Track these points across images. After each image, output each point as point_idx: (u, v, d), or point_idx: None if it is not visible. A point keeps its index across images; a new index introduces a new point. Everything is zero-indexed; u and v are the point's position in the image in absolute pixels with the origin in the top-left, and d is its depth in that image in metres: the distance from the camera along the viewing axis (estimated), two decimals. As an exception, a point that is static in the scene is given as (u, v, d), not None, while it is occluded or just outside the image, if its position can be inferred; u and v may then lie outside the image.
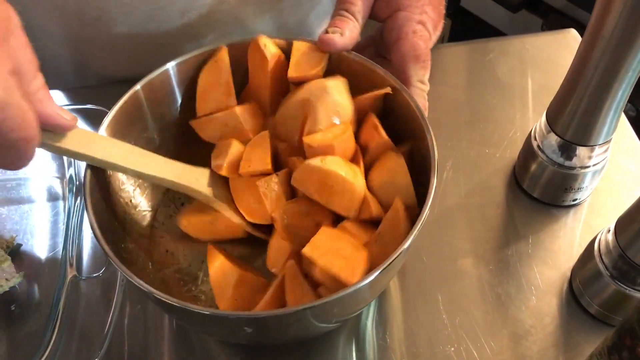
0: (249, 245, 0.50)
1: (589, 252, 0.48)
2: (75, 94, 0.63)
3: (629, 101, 0.49)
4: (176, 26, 0.59)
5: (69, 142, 0.40)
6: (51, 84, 0.66)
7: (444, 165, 0.59)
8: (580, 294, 0.50)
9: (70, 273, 0.47)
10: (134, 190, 0.48)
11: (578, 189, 0.54)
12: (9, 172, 0.58)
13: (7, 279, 0.49)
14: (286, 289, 0.44)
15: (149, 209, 0.50)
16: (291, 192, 0.48)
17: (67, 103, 0.60)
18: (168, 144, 0.51)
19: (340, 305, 0.40)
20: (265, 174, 0.47)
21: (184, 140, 0.51)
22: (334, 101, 0.46)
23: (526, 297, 0.51)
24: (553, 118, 0.51)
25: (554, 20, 0.99)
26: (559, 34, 0.70)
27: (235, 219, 0.48)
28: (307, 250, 0.42)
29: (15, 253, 0.52)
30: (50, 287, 0.48)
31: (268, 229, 0.48)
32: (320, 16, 0.48)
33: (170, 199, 0.52)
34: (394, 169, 0.45)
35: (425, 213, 0.40)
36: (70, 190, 0.54)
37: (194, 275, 0.49)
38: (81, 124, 0.59)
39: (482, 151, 0.60)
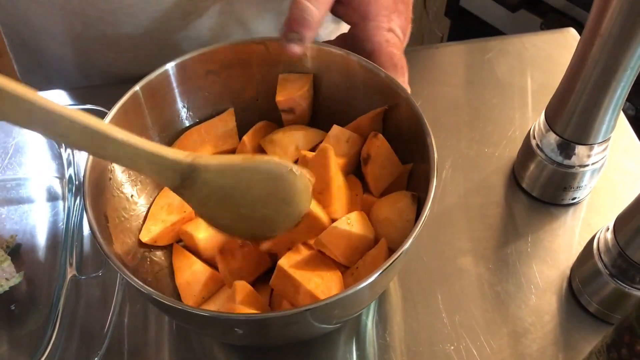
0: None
1: (588, 251, 0.48)
2: (77, 94, 0.64)
3: (628, 100, 0.49)
4: (179, 27, 0.59)
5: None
6: (55, 83, 0.67)
7: (443, 165, 0.59)
8: (580, 292, 0.50)
9: (70, 273, 0.47)
10: (134, 188, 0.48)
11: (577, 187, 0.54)
12: (9, 172, 0.58)
13: (7, 279, 0.49)
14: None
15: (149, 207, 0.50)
16: None
17: (69, 103, 0.60)
18: (167, 142, 0.51)
19: (340, 307, 0.39)
20: None
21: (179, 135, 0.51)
22: None
23: (526, 295, 0.51)
24: (552, 117, 0.51)
25: (553, 20, 0.99)
26: (558, 33, 0.70)
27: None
28: (283, 263, 0.43)
29: (15, 253, 0.52)
30: (50, 286, 0.49)
31: None
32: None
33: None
34: (402, 209, 0.46)
35: (425, 214, 0.40)
36: (69, 190, 0.54)
37: None
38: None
39: (482, 150, 0.60)
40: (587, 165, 0.52)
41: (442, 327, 0.49)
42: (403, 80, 0.50)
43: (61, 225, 0.53)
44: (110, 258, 0.39)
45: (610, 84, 0.45)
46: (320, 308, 0.37)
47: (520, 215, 0.56)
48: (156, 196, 0.50)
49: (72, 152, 0.56)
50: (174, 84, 0.49)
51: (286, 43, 0.46)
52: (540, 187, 0.55)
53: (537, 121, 0.54)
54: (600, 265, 0.47)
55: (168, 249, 0.49)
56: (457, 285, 0.52)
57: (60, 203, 0.55)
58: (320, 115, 0.53)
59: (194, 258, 0.47)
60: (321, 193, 0.46)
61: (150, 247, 0.48)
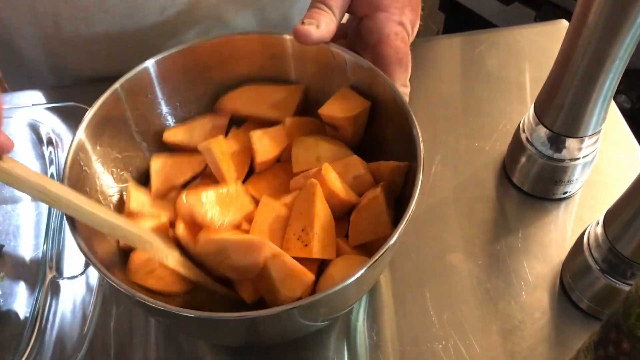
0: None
1: (579, 246, 0.47)
2: (54, 93, 0.63)
3: (622, 92, 0.48)
4: (156, 23, 0.58)
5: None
6: (29, 84, 0.66)
7: (432, 159, 0.58)
8: (571, 288, 0.49)
9: (50, 274, 0.47)
10: (114, 189, 0.47)
11: (568, 181, 0.53)
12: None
13: (-13, 281, 0.48)
14: None
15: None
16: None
17: (46, 102, 0.60)
18: (149, 142, 0.50)
19: (327, 303, 0.39)
20: None
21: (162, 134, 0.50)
22: None
23: (516, 292, 0.50)
24: (541, 110, 0.50)
25: (547, 12, 0.98)
26: (550, 25, 0.69)
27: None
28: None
29: (-2, 254, 0.51)
30: (31, 288, 0.48)
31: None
32: (303, 11, 0.47)
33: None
34: (377, 211, 0.44)
35: (411, 210, 0.39)
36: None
37: None
38: (62, 122, 0.58)
39: (472, 145, 0.59)
40: (578, 159, 0.51)
41: (430, 326, 0.48)
42: (405, 76, 0.48)
43: (44, 225, 0.52)
44: (89, 259, 0.38)
45: (599, 76, 0.44)
46: (307, 305, 0.36)
47: (511, 211, 0.55)
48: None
49: (55, 149, 0.55)
50: (155, 82, 0.48)
51: (301, 26, 0.45)
52: (531, 181, 0.54)
53: (526, 115, 0.53)
54: (590, 260, 0.46)
55: None
56: (446, 282, 0.51)
57: (43, 204, 0.54)
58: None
59: None
60: (303, 230, 0.44)
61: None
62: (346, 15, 0.51)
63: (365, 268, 0.37)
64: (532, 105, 0.52)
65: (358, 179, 0.46)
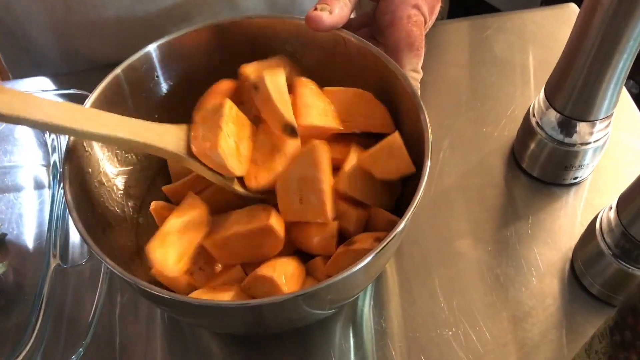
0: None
1: (591, 231, 0.46)
2: (60, 80, 0.62)
3: (631, 78, 0.47)
4: (164, 7, 0.57)
5: None
6: (39, 71, 0.65)
7: (440, 145, 0.57)
8: (582, 274, 0.48)
9: (54, 262, 0.46)
10: (117, 173, 0.46)
11: (579, 166, 0.52)
12: (-6, 161, 0.56)
13: (-9, 269, 0.48)
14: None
15: (134, 192, 0.49)
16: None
17: (52, 88, 0.59)
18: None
19: (334, 291, 0.38)
20: None
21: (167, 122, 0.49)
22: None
23: (526, 278, 0.49)
24: (552, 93, 0.49)
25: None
26: (558, 8, 0.68)
27: (218, 180, 0.44)
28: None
29: (0, 243, 0.50)
30: (35, 276, 0.47)
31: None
32: None
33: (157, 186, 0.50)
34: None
35: (419, 197, 0.38)
36: (54, 177, 0.52)
37: None
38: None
39: (480, 130, 0.58)
40: (589, 143, 0.50)
41: (439, 312, 0.48)
42: (416, 61, 0.46)
43: (47, 214, 0.51)
44: (92, 247, 0.37)
45: (612, 57, 0.43)
46: (313, 293, 0.36)
47: (521, 196, 0.54)
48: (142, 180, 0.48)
49: (57, 137, 0.54)
50: (158, 67, 0.47)
51: (313, 11, 0.44)
52: (541, 166, 0.54)
53: (536, 98, 0.52)
54: (603, 245, 0.45)
55: None
56: (455, 269, 0.50)
57: (46, 191, 0.54)
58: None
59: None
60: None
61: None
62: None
63: (372, 255, 0.36)
64: (543, 89, 0.51)
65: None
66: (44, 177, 0.55)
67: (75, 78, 0.62)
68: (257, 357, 0.47)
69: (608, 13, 0.41)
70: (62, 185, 0.50)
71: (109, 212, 0.44)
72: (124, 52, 0.50)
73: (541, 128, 0.51)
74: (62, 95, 0.55)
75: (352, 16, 0.51)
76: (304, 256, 0.45)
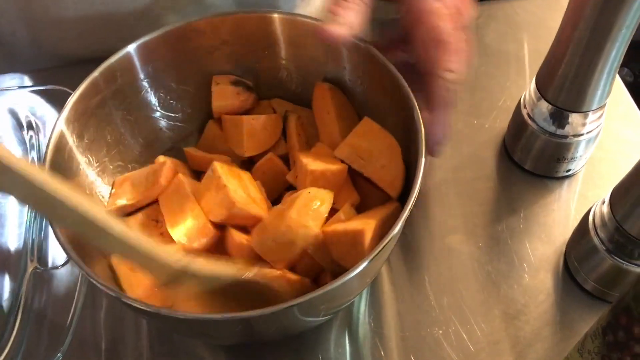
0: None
1: (584, 226, 0.45)
2: (37, 75, 0.60)
3: (625, 65, 0.46)
4: (126, 3, 0.55)
5: None
6: (10, 67, 0.63)
7: (430, 138, 0.56)
8: (576, 269, 0.47)
9: (31, 265, 0.45)
10: (95, 170, 0.45)
11: (572, 158, 0.51)
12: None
13: (-32, 273, 0.46)
14: None
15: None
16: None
17: (29, 84, 0.57)
18: (133, 132, 0.47)
19: (328, 299, 0.37)
20: None
21: (150, 124, 0.48)
22: None
23: (518, 274, 0.48)
24: (543, 84, 0.48)
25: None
26: (551, -4, 0.67)
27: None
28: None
29: (-21, 245, 0.49)
30: (13, 280, 0.46)
31: None
32: None
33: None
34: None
35: (414, 197, 0.37)
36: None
37: None
38: (45, 105, 0.56)
39: (471, 122, 0.57)
40: (582, 135, 0.49)
41: (430, 310, 0.47)
42: (449, 59, 0.40)
43: (26, 214, 0.50)
44: (69, 254, 0.35)
45: (604, 45, 0.41)
46: (307, 302, 0.34)
47: (512, 190, 0.53)
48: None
49: (36, 134, 0.53)
50: (138, 66, 0.45)
51: (324, 28, 0.39)
52: (533, 159, 0.52)
53: (527, 89, 0.51)
54: (596, 240, 0.44)
55: None
56: (446, 265, 0.49)
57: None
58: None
59: None
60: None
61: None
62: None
63: (367, 261, 0.34)
64: (534, 80, 0.50)
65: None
66: (24, 176, 0.53)
67: (50, 74, 0.60)
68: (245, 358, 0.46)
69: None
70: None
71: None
72: (88, 47, 0.48)
73: (532, 120, 0.50)
74: (40, 92, 0.54)
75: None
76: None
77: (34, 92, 0.54)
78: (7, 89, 0.55)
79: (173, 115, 0.49)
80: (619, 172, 0.52)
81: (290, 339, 0.46)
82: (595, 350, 0.35)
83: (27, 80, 0.59)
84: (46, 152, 0.39)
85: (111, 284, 0.39)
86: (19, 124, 0.53)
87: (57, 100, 0.53)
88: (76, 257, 0.35)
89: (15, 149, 0.55)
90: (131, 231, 0.34)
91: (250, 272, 0.39)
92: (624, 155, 0.54)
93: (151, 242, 0.35)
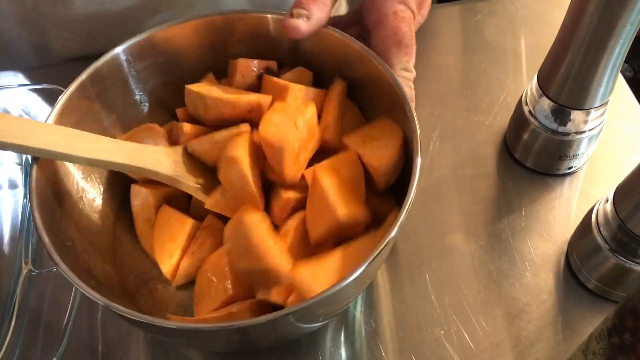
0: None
1: (587, 224, 0.45)
2: (30, 74, 0.59)
3: (625, 61, 0.45)
4: (136, 0, 0.55)
5: None
6: (12, 65, 0.62)
7: (430, 136, 0.55)
8: (578, 268, 0.46)
9: (26, 268, 0.44)
10: (86, 181, 0.44)
11: (573, 156, 0.50)
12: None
13: (-38, 275, 0.45)
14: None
15: (107, 200, 0.46)
16: None
17: (24, 83, 0.56)
18: (119, 134, 0.46)
19: (325, 305, 0.36)
20: None
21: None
22: None
23: (520, 273, 0.48)
24: (545, 81, 0.47)
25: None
26: (551, -9, 0.66)
27: (206, 199, 0.44)
28: None
29: (-27, 246, 0.48)
30: (8, 282, 0.45)
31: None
32: None
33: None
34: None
35: (411, 197, 0.36)
36: (27, 176, 0.50)
37: (154, 275, 0.45)
38: (38, 103, 0.55)
39: (471, 119, 0.56)
40: (584, 132, 0.48)
41: (431, 310, 0.46)
42: (405, 59, 0.43)
43: (20, 216, 0.49)
44: (56, 262, 0.34)
45: (608, 42, 0.41)
46: (303, 310, 0.33)
47: (514, 187, 0.52)
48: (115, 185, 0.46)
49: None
50: (126, 68, 0.44)
51: (289, 19, 0.41)
52: (534, 156, 0.52)
53: (529, 86, 0.50)
54: (599, 239, 0.43)
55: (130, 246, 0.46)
56: (447, 264, 0.48)
57: (20, 191, 0.51)
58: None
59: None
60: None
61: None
62: None
63: (364, 266, 0.34)
64: (535, 76, 0.49)
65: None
66: (18, 176, 0.53)
67: (47, 72, 0.59)
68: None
69: (604, -4, 0.39)
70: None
71: (81, 218, 0.42)
72: (96, 45, 0.47)
73: (534, 117, 0.49)
74: (34, 90, 0.53)
75: (343, 12, 0.49)
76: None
77: (28, 90, 0.53)
78: (0, 88, 0.55)
79: (164, 117, 0.48)
80: (621, 169, 0.52)
81: (288, 341, 0.45)
82: (600, 352, 0.35)
83: (20, 79, 0.58)
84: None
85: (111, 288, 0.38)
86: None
87: (51, 99, 0.53)
88: (63, 264, 0.34)
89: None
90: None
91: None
92: (625, 153, 0.54)
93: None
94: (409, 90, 0.43)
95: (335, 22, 0.45)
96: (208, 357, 0.46)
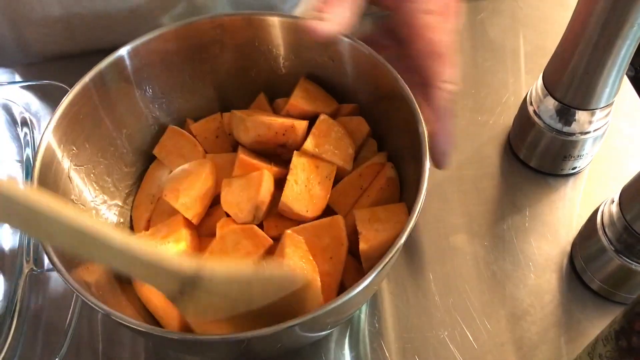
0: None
1: (591, 225, 0.45)
2: (30, 71, 0.58)
3: (628, 61, 0.44)
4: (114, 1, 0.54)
5: None
6: (6, 60, 0.61)
7: (433, 135, 0.55)
8: (582, 269, 0.46)
9: (27, 267, 0.43)
10: (86, 183, 0.43)
11: (578, 156, 0.50)
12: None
13: (-38, 273, 0.45)
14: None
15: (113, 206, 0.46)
16: None
17: (17, 80, 0.55)
18: (123, 137, 0.46)
19: (332, 315, 0.35)
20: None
21: (143, 129, 0.47)
22: None
23: (524, 274, 0.48)
24: (550, 81, 0.47)
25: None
26: (554, -10, 0.66)
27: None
28: None
29: (-27, 245, 0.48)
30: (9, 282, 0.45)
31: None
32: None
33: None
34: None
35: (419, 207, 0.35)
36: (27, 174, 0.49)
37: None
38: (39, 101, 0.55)
39: (475, 118, 0.56)
40: (589, 132, 0.48)
41: (434, 311, 0.46)
42: (445, 71, 0.42)
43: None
44: (57, 268, 0.34)
45: (615, 42, 0.41)
46: (311, 320, 0.32)
47: (517, 188, 0.52)
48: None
49: (30, 130, 0.51)
50: (130, 70, 0.43)
51: (313, 22, 0.38)
52: (538, 156, 0.52)
53: (533, 86, 0.50)
54: (604, 240, 0.43)
55: None
56: (450, 265, 0.48)
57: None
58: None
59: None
60: None
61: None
62: None
63: (372, 277, 0.33)
64: (540, 76, 0.49)
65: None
66: (18, 173, 0.52)
67: (45, 68, 0.58)
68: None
69: (612, -4, 0.38)
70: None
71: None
72: (74, 43, 0.46)
73: (539, 117, 0.49)
74: (35, 87, 0.52)
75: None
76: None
77: (28, 87, 0.52)
78: (1, 84, 0.54)
79: (167, 119, 0.48)
80: (625, 170, 0.52)
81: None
82: (607, 355, 0.34)
83: (20, 76, 0.58)
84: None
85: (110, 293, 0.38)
86: (13, 120, 0.52)
87: (52, 96, 0.52)
88: (63, 270, 0.34)
89: (10, 145, 0.54)
90: (133, 240, 0.31)
91: (268, 264, 0.37)
92: (629, 154, 0.54)
93: (157, 250, 0.32)
94: (443, 104, 0.42)
95: (366, 39, 0.43)
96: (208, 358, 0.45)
